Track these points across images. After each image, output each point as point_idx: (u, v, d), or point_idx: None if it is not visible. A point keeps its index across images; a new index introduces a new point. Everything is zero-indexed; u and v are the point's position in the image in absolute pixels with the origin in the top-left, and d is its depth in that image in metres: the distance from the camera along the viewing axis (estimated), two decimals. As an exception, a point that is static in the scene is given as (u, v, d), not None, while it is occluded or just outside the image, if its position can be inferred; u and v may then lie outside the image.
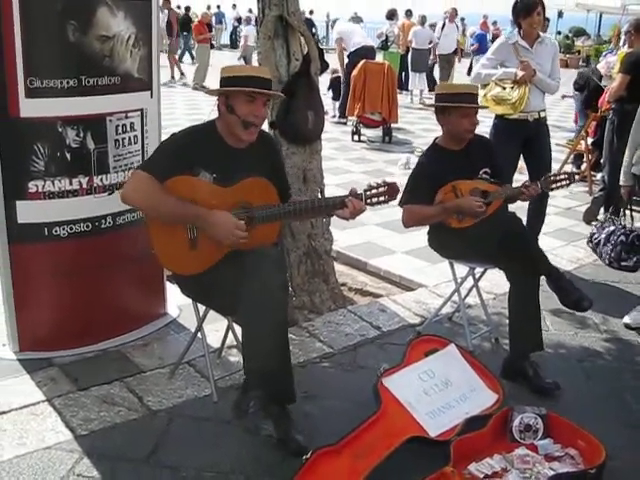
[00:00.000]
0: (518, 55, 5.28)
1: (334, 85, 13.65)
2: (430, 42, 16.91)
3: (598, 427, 3.21)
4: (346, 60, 13.09)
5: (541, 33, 5.42)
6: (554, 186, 4.13)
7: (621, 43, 9.98)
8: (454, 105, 3.94)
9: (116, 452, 3.11)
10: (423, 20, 17.37)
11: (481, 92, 5.24)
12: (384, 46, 17.30)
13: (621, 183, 4.76)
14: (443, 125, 4.08)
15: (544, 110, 5.46)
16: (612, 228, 4.72)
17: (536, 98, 5.33)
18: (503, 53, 5.41)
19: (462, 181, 4.00)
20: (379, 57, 14.59)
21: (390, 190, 3.33)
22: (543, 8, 5.23)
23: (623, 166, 4.64)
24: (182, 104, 15.35)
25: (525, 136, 5.34)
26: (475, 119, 4.01)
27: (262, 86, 3.19)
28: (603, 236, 4.75)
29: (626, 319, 4.59)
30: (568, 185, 4.18)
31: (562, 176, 4.15)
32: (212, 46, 22.47)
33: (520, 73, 5.22)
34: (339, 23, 13.69)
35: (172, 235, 3.21)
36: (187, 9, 25.80)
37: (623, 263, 4.79)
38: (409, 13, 18.59)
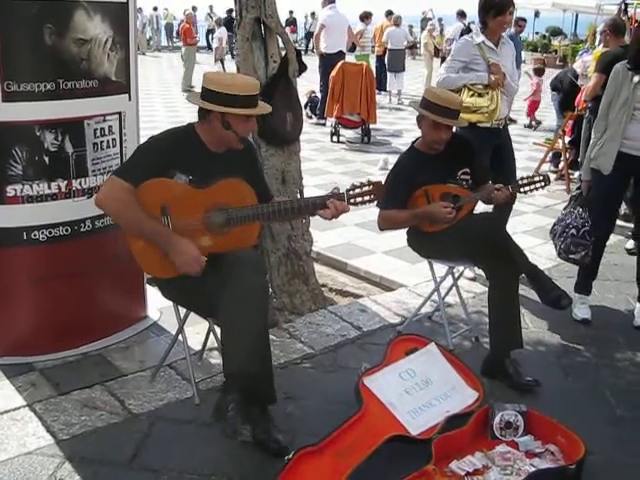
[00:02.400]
0: (485, 56, 4.96)
1: (312, 101, 13.67)
2: (406, 42, 16.97)
3: (577, 423, 3.25)
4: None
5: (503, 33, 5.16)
6: (527, 189, 4.11)
7: (597, 42, 10.08)
8: (428, 115, 3.94)
9: (98, 456, 3.10)
10: (397, 21, 17.40)
11: None
12: (351, 48, 17.27)
13: (582, 178, 4.80)
14: (419, 128, 4.10)
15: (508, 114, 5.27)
16: (569, 221, 4.78)
17: (504, 103, 5.07)
18: (469, 54, 5.01)
19: (434, 185, 4.01)
20: (351, 59, 14.55)
21: (375, 189, 3.32)
22: (513, 6, 5.03)
23: (584, 162, 4.68)
24: (161, 107, 15.29)
25: (496, 144, 5.07)
26: (447, 134, 4.00)
27: (256, 104, 3.23)
28: (559, 228, 4.81)
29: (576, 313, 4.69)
30: (543, 187, 4.15)
31: (536, 178, 4.13)
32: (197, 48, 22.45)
33: (493, 77, 4.91)
34: (327, 10, 12.96)
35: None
36: (229, 11, 25.34)
37: (571, 256, 4.82)
38: (389, 13, 18.55)
